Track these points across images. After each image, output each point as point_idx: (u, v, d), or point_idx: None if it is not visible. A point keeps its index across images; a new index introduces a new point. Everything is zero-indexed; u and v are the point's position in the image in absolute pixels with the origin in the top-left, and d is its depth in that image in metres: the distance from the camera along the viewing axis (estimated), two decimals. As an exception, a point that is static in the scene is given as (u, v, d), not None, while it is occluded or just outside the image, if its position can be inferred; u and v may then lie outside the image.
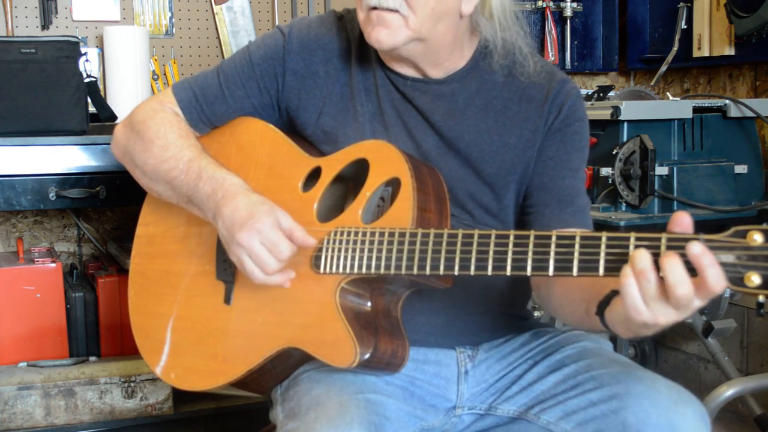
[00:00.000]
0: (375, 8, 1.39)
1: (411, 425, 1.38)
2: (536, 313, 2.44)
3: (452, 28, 1.43)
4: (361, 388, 1.34)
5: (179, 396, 2.39)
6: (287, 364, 1.45)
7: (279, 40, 1.52)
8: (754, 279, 1.02)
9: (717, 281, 1.03)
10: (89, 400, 2.31)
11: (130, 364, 2.34)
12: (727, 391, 2.22)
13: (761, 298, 1.04)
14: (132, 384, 2.33)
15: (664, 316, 1.08)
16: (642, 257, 1.07)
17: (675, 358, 3.18)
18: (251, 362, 1.42)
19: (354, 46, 1.51)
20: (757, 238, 1.02)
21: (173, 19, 2.89)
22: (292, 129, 1.55)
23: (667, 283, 1.05)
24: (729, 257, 1.04)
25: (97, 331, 2.45)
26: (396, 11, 1.38)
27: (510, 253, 1.19)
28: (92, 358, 2.40)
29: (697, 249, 1.04)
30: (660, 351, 3.23)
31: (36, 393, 2.27)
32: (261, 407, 1.69)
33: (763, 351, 2.81)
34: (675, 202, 2.32)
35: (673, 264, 1.05)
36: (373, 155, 1.38)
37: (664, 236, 1.08)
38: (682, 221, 1.08)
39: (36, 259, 2.42)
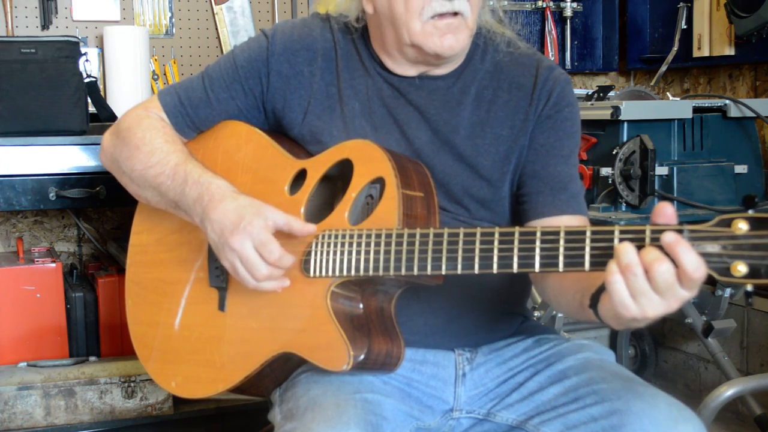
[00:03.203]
0: (441, 15, 1.38)
1: (407, 425, 1.38)
2: (536, 313, 2.44)
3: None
4: (359, 387, 1.34)
5: (179, 396, 2.38)
6: (285, 368, 1.45)
7: (263, 42, 1.53)
8: (741, 268, 1.01)
9: (695, 267, 1.02)
10: (89, 400, 2.31)
11: (130, 364, 2.34)
12: (727, 391, 2.22)
13: (749, 288, 1.03)
14: (132, 384, 2.33)
15: (653, 309, 1.07)
16: (627, 251, 1.06)
17: (675, 358, 3.18)
18: (249, 368, 1.42)
19: (340, 46, 1.52)
20: (742, 226, 1.01)
21: (173, 19, 2.89)
22: (279, 130, 1.55)
23: (651, 274, 1.04)
24: (714, 247, 1.03)
25: (97, 331, 2.45)
26: (458, 13, 1.39)
27: (496, 251, 1.19)
28: (92, 358, 2.40)
29: (670, 237, 1.03)
30: (660, 351, 3.23)
31: (36, 393, 2.27)
32: (261, 407, 1.69)
33: (763, 351, 2.81)
34: (675, 202, 2.31)
35: (655, 255, 1.04)
36: (357, 155, 1.38)
37: (647, 228, 1.07)
38: (665, 212, 1.08)
39: (36, 259, 2.42)
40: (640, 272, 1.05)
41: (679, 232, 1.04)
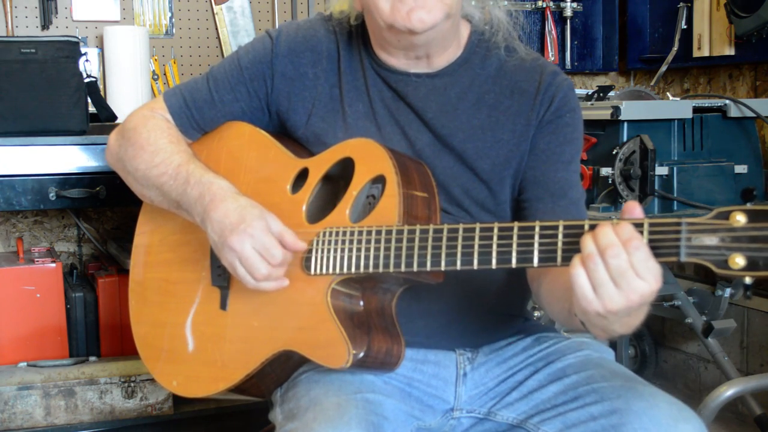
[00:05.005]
0: None
1: (408, 425, 1.38)
2: (536, 314, 2.44)
3: (461, 2, 1.44)
4: (360, 387, 1.34)
5: (179, 396, 2.38)
6: (286, 367, 1.45)
7: (267, 44, 1.53)
8: (739, 261, 1.01)
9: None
10: (89, 400, 2.30)
11: (130, 364, 2.34)
12: (727, 391, 2.22)
13: (747, 280, 1.03)
14: (132, 384, 2.33)
15: (612, 302, 1.07)
16: (588, 243, 1.07)
17: (675, 358, 3.18)
18: (250, 367, 1.42)
19: (342, 47, 1.52)
20: (740, 218, 1.01)
21: (173, 19, 2.89)
22: (283, 131, 1.55)
23: (605, 258, 1.05)
24: (712, 240, 1.03)
25: (97, 331, 2.45)
26: None
27: (494, 246, 1.19)
28: (92, 358, 2.40)
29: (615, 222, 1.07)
30: (660, 351, 3.23)
31: (36, 393, 2.27)
32: (261, 407, 1.69)
33: (763, 351, 2.81)
34: (675, 202, 2.31)
35: (605, 232, 1.06)
36: (358, 153, 1.38)
37: (615, 221, 1.08)
38: (633, 210, 1.09)
39: (36, 259, 2.42)
40: (600, 261, 1.06)
41: (638, 225, 1.07)
